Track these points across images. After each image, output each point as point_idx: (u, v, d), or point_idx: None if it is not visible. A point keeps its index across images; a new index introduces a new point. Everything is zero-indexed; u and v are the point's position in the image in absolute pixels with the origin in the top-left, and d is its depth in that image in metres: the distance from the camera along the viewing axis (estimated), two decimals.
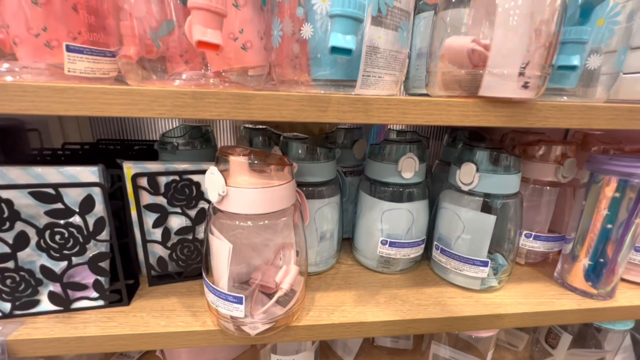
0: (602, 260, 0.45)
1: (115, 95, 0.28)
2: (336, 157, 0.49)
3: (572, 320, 0.46)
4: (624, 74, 0.43)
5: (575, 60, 0.35)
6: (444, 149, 0.67)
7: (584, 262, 0.46)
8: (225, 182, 0.32)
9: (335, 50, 0.27)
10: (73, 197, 0.37)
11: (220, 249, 0.34)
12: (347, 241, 0.58)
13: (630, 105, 0.36)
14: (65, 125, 0.64)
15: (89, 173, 0.38)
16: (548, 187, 0.53)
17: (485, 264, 0.45)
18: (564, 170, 0.50)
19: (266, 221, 0.35)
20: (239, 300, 0.34)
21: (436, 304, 0.44)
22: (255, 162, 0.33)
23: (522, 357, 0.62)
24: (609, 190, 0.43)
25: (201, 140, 0.54)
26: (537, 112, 0.34)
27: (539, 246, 0.53)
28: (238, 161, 0.33)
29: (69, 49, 0.31)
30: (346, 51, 0.27)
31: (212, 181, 0.32)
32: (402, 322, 0.41)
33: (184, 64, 0.35)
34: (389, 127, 0.71)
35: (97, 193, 0.37)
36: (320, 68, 0.35)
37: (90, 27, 0.34)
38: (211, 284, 0.35)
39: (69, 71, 0.31)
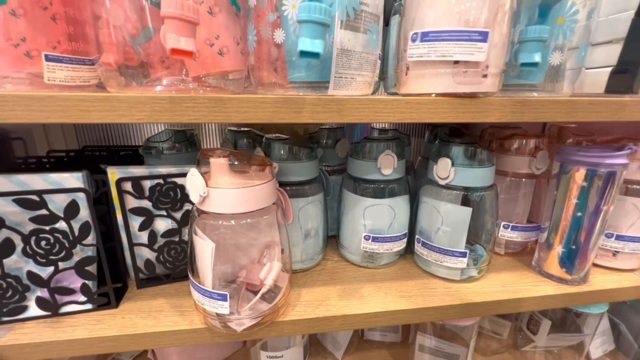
0: (574, 247, 0.47)
1: (94, 102, 0.29)
2: (318, 157, 0.50)
3: (548, 306, 0.48)
4: (587, 69, 0.45)
5: (537, 57, 0.37)
6: (425, 145, 0.68)
7: (558, 249, 0.48)
8: (206, 184, 0.34)
9: (304, 54, 0.28)
10: (58, 203, 0.38)
11: (204, 249, 0.35)
12: (333, 238, 0.59)
13: (590, 99, 0.38)
14: (50, 133, 0.64)
15: (74, 179, 0.38)
16: (524, 179, 0.55)
17: (464, 254, 0.46)
18: (537, 162, 0.52)
19: (248, 220, 0.36)
20: (223, 298, 0.35)
21: (419, 295, 0.46)
22: (235, 163, 0.34)
23: (506, 344, 0.64)
24: (578, 180, 0.45)
25: (186, 144, 0.55)
26: (502, 107, 0.36)
27: (516, 236, 0.55)
28: (218, 163, 0.34)
29: (48, 58, 0.32)
30: (314, 55, 0.28)
31: (192, 183, 0.33)
32: (385, 313, 0.43)
33: (164, 70, 0.36)
34: (371, 126, 0.73)
35: (81, 198, 0.38)
36: (295, 71, 0.36)
37: (70, 37, 0.35)
38: (196, 283, 0.37)
39: (48, 80, 0.32)
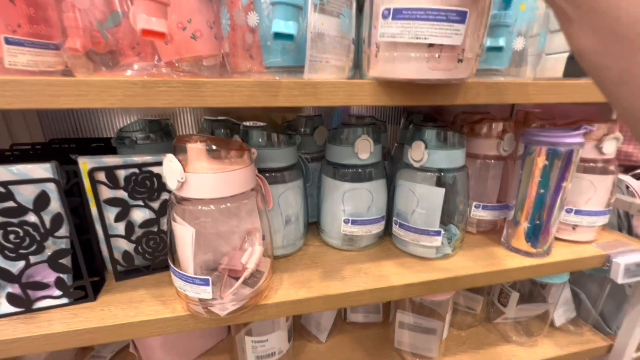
0: (538, 222, 0.51)
1: (62, 86, 0.28)
2: (297, 144, 0.51)
3: (516, 277, 0.51)
4: (547, 54, 0.48)
5: (501, 41, 0.39)
6: (401, 132, 0.70)
7: (524, 225, 0.52)
8: (184, 169, 0.33)
9: (278, 36, 0.28)
10: (26, 195, 0.36)
11: (184, 235, 0.35)
12: (314, 225, 0.60)
13: (550, 82, 0.40)
14: (12, 125, 0.61)
15: (42, 170, 0.37)
16: (493, 161, 0.58)
17: (438, 233, 0.49)
18: (504, 144, 0.55)
19: (228, 204, 0.36)
20: (205, 282, 0.35)
21: (397, 273, 0.48)
22: (213, 147, 0.34)
23: (479, 318, 0.68)
24: (540, 159, 0.48)
25: (161, 134, 0.53)
26: (469, 90, 0.37)
27: (487, 215, 0.58)
28: (195, 148, 0.34)
29: (8, 41, 0.31)
30: (288, 36, 0.29)
31: (169, 169, 0.33)
32: (365, 292, 0.44)
33: (135, 56, 0.35)
34: (349, 113, 0.74)
35: (51, 189, 0.37)
36: (271, 55, 0.36)
37: (31, 19, 0.33)
38: (178, 270, 0.36)
39: (9, 64, 0.31)
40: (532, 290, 0.63)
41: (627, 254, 0.53)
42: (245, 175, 0.36)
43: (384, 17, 0.31)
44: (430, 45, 0.31)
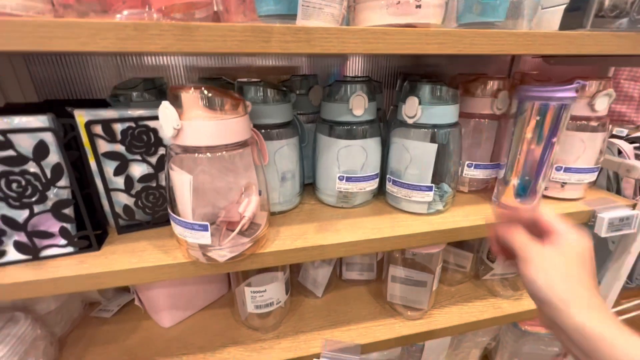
0: (527, 178, 0.52)
1: (54, 28, 0.28)
2: (292, 101, 0.51)
3: None
4: (543, 8, 0.47)
5: None
6: (397, 94, 0.70)
7: (513, 182, 0.53)
8: (179, 117, 0.34)
9: None
10: (25, 146, 0.37)
11: (182, 182, 0.36)
12: (310, 186, 0.62)
13: (545, 32, 0.40)
14: (4, 87, 0.60)
15: (39, 122, 0.37)
16: (487, 121, 0.58)
17: (430, 188, 0.50)
18: (498, 102, 0.55)
19: (224, 152, 0.37)
20: (204, 228, 0.37)
21: (389, 227, 0.50)
22: (208, 95, 0.34)
23: (469, 275, 0.71)
24: (532, 115, 0.48)
25: (155, 93, 0.53)
26: (464, 39, 0.37)
27: (479, 174, 0.59)
28: (190, 96, 0.34)
29: None
30: None
31: (165, 115, 0.34)
32: (359, 242, 0.46)
33: (122, 4, 0.34)
34: (344, 74, 0.73)
35: (49, 140, 0.37)
36: (263, 3, 0.36)
37: None
38: (177, 217, 0.38)
39: None
40: None
41: (612, 209, 0.55)
42: (241, 124, 0.37)
43: None
44: None
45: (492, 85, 0.56)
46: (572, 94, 0.46)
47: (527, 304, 0.66)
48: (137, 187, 0.46)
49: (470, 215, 0.53)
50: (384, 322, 0.61)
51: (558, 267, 0.30)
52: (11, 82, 0.62)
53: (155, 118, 0.42)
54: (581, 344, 0.26)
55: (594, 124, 0.54)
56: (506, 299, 0.67)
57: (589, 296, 0.28)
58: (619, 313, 1.32)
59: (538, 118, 0.48)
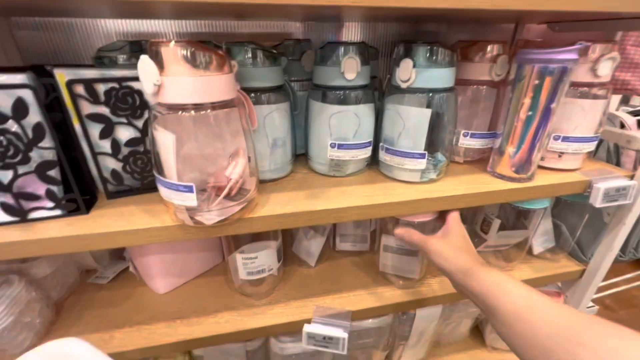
0: (524, 147, 0.51)
1: None
2: (282, 65, 0.49)
3: (497, 200, 0.53)
4: None
5: None
6: (393, 62, 0.68)
7: (509, 151, 0.52)
8: (160, 74, 0.33)
9: None
10: (4, 105, 0.36)
11: (165, 142, 0.35)
12: (302, 157, 0.61)
13: None
14: None
15: (17, 80, 0.36)
16: (485, 88, 0.56)
17: (423, 155, 0.49)
18: (497, 68, 0.53)
19: (208, 111, 0.36)
20: (189, 189, 0.36)
21: (381, 194, 0.49)
22: (190, 49, 0.33)
23: None
24: (531, 79, 0.47)
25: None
26: None
27: (475, 143, 0.58)
28: (171, 50, 0.33)
29: None
30: None
31: (144, 71, 0.32)
32: (348, 209, 0.46)
33: None
34: (340, 40, 0.70)
35: (29, 98, 0.36)
36: None
37: None
38: (162, 178, 0.37)
39: None
40: (513, 219, 0.65)
41: (608, 180, 0.54)
42: (225, 82, 0.35)
43: None
44: None
45: (492, 49, 0.53)
46: (574, 55, 0.44)
47: (518, 275, 0.66)
48: (125, 151, 0.45)
49: (464, 185, 0.53)
50: (376, 291, 0.62)
51: (449, 248, 0.46)
52: None
53: (139, 79, 0.41)
54: (473, 289, 0.41)
55: (595, 90, 0.53)
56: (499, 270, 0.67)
57: (472, 260, 0.44)
58: (611, 286, 1.33)
59: (537, 82, 0.46)
